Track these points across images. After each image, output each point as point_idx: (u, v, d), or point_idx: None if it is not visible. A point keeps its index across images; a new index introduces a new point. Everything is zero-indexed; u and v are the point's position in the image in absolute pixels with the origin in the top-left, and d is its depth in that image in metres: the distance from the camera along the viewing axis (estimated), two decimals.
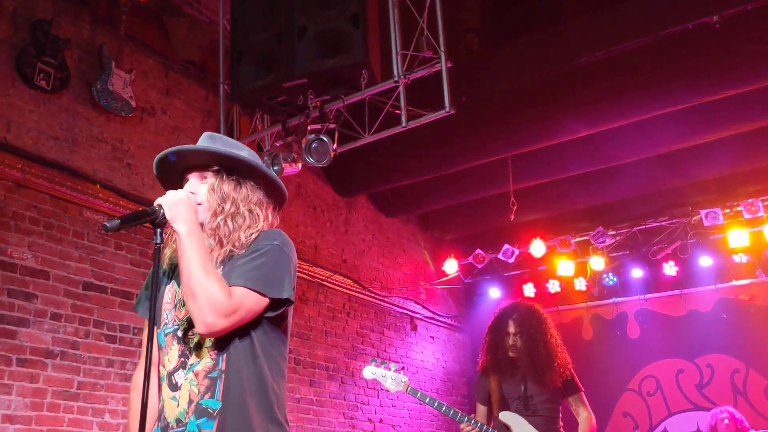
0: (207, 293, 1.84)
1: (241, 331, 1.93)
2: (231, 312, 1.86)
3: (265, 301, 1.93)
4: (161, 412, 1.98)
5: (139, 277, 4.93)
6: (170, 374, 1.98)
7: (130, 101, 5.00)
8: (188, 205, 1.93)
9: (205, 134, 2.19)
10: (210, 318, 1.84)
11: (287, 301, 1.98)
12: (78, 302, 4.61)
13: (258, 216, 2.07)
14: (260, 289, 1.92)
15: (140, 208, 2.20)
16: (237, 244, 2.00)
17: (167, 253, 2.08)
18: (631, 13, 5.32)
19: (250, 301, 1.90)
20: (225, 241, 2.00)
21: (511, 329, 4.27)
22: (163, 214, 1.89)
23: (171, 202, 1.90)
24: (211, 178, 2.07)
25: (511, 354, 4.24)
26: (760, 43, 5.03)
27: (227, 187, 2.06)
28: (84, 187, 4.74)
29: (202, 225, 2.01)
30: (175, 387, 1.96)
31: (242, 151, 2.13)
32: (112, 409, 4.65)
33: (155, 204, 1.91)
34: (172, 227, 1.91)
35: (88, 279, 4.70)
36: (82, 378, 4.54)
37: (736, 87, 5.42)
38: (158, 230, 1.89)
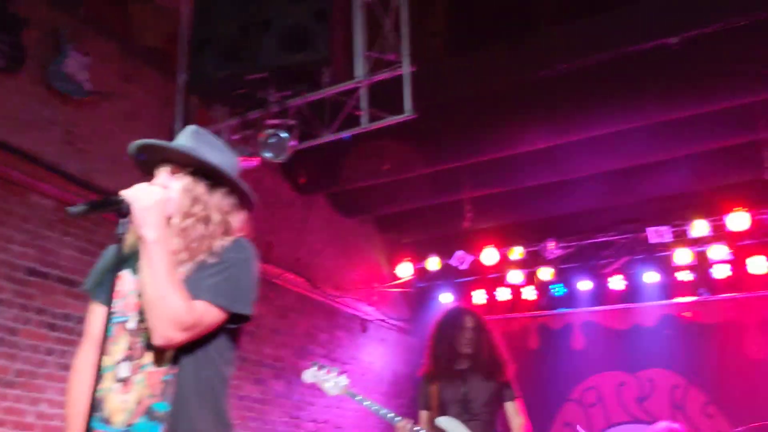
0: (168, 307, 1.82)
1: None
2: (191, 327, 1.86)
3: (226, 314, 1.94)
4: (100, 402, 1.93)
5: (86, 265, 4.80)
6: (115, 365, 1.95)
7: (85, 85, 4.88)
8: (160, 212, 1.89)
9: (190, 129, 2.17)
10: (169, 332, 1.83)
11: (249, 317, 1.99)
12: (20, 288, 4.48)
13: (228, 224, 2.06)
14: (224, 304, 1.92)
15: (99, 196, 2.16)
16: (205, 249, 1.98)
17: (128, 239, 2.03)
18: (594, 28, 5.42)
19: (211, 316, 1.90)
20: (193, 245, 1.98)
21: (469, 324, 4.34)
22: (127, 205, 1.85)
23: (142, 207, 1.86)
24: (185, 178, 2.05)
25: (465, 349, 4.29)
26: (718, 65, 5.17)
27: (200, 189, 2.04)
28: (32, 170, 4.61)
29: (169, 222, 1.98)
30: (117, 379, 1.93)
31: (225, 153, 2.14)
32: (49, 398, 4.53)
33: (121, 195, 1.87)
34: (137, 229, 1.87)
35: (31, 264, 4.57)
36: (20, 366, 4.41)
37: (691, 108, 5.56)
38: (123, 220, 1.85)
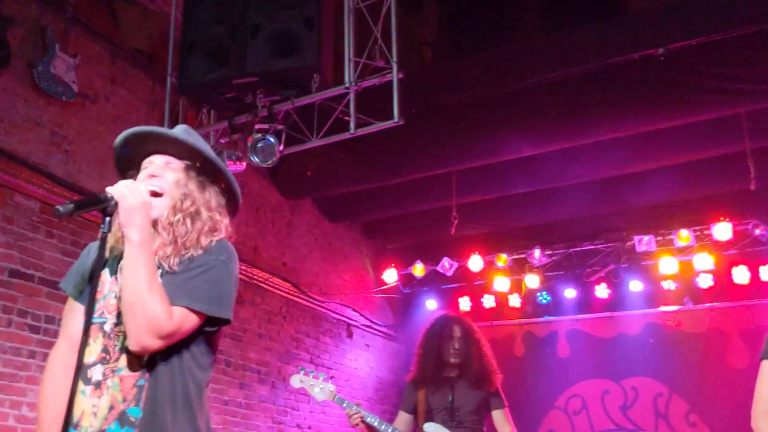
0: (148, 313, 1.79)
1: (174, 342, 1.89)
2: (169, 334, 1.82)
3: (204, 318, 1.90)
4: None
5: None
6: (88, 367, 1.90)
7: (72, 86, 4.86)
8: (145, 213, 1.87)
9: (181, 126, 2.15)
10: (146, 339, 1.80)
11: (227, 321, 1.95)
12: (2, 289, 4.43)
13: (217, 222, 2.04)
14: (202, 308, 1.88)
15: (85, 196, 2.14)
16: (191, 246, 1.95)
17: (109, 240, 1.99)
18: (581, 38, 5.46)
19: (189, 323, 1.87)
20: (180, 241, 1.95)
21: (457, 333, 4.34)
22: (115, 204, 1.83)
23: (128, 207, 1.83)
24: (179, 172, 2.03)
25: (452, 359, 4.29)
26: (703, 77, 5.22)
27: (192, 185, 2.02)
28: (17, 171, 4.56)
29: (155, 222, 1.95)
30: (88, 382, 1.89)
31: (214, 153, 2.11)
32: (31, 402, 4.48)
33: (108, 193, 1.84)
34: (121, 229, 1.85)
35: (14, 266, 4.52)
36: (1, 368, 4.36)
37: (676, 119, 5.61)
38: (107, 219, 1.83)
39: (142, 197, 1.88)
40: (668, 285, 7.40)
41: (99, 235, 2.01)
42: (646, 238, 7.04)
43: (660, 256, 7.16)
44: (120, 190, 1.85)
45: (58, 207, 1.73)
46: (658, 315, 7.73)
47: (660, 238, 7.09)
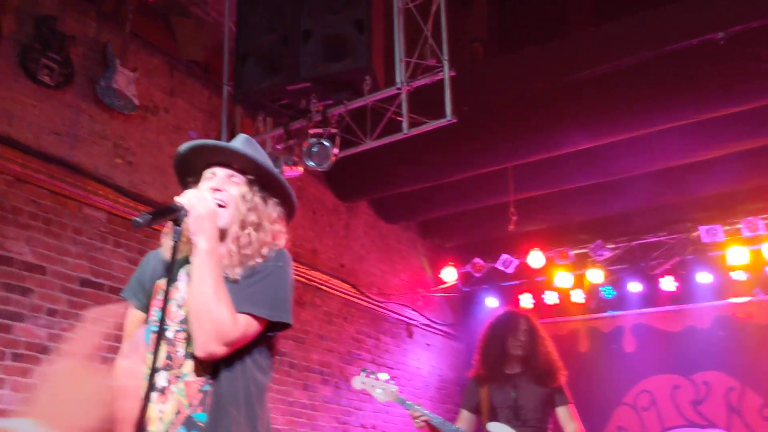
0: (215, 322, 1.83)
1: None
2: (235, 341, 1.87)
3: (266, 323, 1.95)
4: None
5: None
6: (151, 374, 1.93)
7: (133, 99, 5.01)
8: (213, 222, 1.93)
9: (242, 137, 2.20)
10: (213, 346, 1.85)
11: (288, 325, 2.00)
12: (74, 298, 4.60)
13: (279, 233, 2.10)
14: (265, 314, 1.93)
15: (149, 208, 2.19)
16: (254, 255, 2.00)
17: (169, 245, 2.04)
18: (636, 27, 5.33)
19: (253, 329, 1.92)
20: (244, 251, 2.00)
21: (523, 326, 4.31)
22: (185, 213, 1.89)
23: (197, 216, 1.89)
24: (243, 186, 2.08)
25: (517, 352, 4.25)
26: (765, 61, 5.03)
27: (257, 199, 2.07)
28: (84, 184, 4.74)
29: (223, 231, 2.01)
30: (154, 388, 1.94)
31: (271, 162, 2.17)
32: None
33: (178, 202, 1.90)
34: (190, 237, 1.90)
35: (85, 275, 4.69)
36: None
37: (739, 104, 5.42)
38: (177, 228, 1.89)
39: (211, 206, 1.94)
40: (738, 275, 7.14)
41: (161, 242, 2.07)
42: (712, 228, 6.82)
43: (728, 246, 6.92)
44: (190, 200, 1.91)
45: (136, 218, 1.78)
46: (728, 307, 7.47)
47: (727, 227, 6.86)
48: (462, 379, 8.57)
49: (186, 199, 1.91)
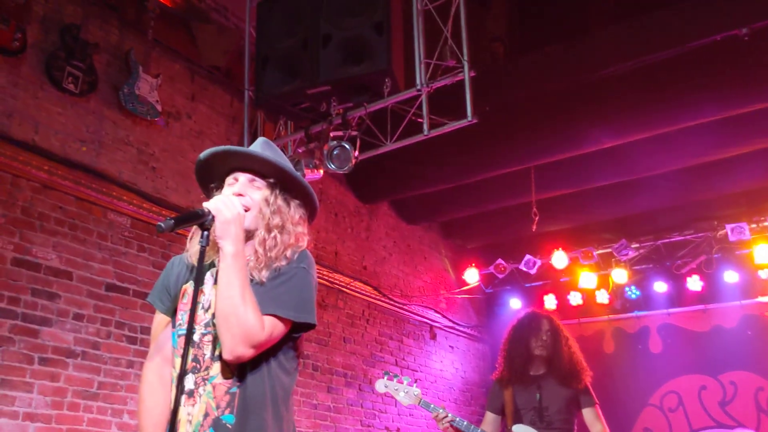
0: (243, 325, 1.85)
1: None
2: (262, 344, 1.89)
3: (291, 324, 1.96)
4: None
5: None
6: (180, 377, 1.97)
7: (156, 105, 5.07)
8: (240, 225, 1.94)
9: (261, 140, 2.22)
10: (240, 349, 1.86)
11: (312, 326, 2.01)
12: (100, 303, 4.66)
13: (302, 235, 2.11)
14: (290, 315, 1.94)
15: (173, 212, 2.21)
16: (278, 258, 2.01)
17: (195, 249, 2.06)
18: (658, 24, 5.27)
19: (278, 330, 1.93)
20: (269, 254, 2.01)
21: (545, 326, 4.29)
22: (212, 218, 1.90)
23: (224, 220, 1.90)
24: (265, 189, 2.10)
25: (540, 352, 4.22)
26: None
27: (280, 201, 2.09)
28: (109, 189, 4.80)
29: (247, 235, 2.02)
30: (182, 391, 1.95)
31: (293, 170, 2.17)
32: (131, 410, 4.68)
33: (204, 207, 1.92)
34: (217, 241, 1.91)
35: (110, 280, 4.75)
36: (102, 378, 4.58)
37: (765, 100, 5.34)
38: (204, 233, 1.91)
39: (237, 210, 1.95)
40: (765, 274, 7.04)
41: (186, 247, 2.09)
42: (738, 225, 6.72)
43: (755, 244, 6.82)
44: (216, 205, 1.93)
45: (160, 224, 1.80)
46: (756, 306, 7.37)
47: (754, 225, 6.76)
48: (486, 382, 8.54)
49: (213, 204, 1.93)
